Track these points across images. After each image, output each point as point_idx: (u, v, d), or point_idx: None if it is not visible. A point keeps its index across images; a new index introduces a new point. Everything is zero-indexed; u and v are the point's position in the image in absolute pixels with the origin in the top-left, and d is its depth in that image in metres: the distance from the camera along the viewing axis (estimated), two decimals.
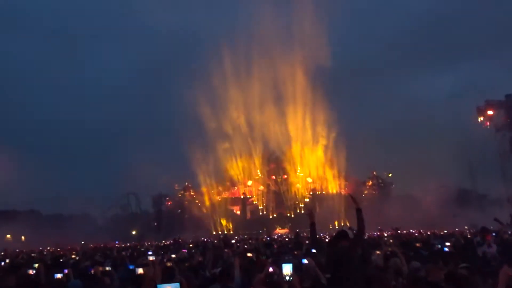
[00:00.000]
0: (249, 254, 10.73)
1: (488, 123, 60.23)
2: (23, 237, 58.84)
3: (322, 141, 70.25)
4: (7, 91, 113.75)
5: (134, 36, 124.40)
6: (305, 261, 7.18)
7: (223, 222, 67.23)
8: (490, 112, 59.45)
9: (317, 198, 67.30)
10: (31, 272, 8.15)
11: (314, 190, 68.01)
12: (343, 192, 67.60)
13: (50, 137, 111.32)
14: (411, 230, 30.44)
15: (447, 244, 11.68)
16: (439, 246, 12.06)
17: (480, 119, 61.57)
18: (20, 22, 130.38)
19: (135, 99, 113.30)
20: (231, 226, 66.50)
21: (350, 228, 15.21)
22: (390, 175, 67.82)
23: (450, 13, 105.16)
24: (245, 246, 17.73)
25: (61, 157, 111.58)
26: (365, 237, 12.27)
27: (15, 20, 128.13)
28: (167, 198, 71.36)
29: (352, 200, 6.91)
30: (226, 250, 13.31)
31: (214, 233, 61.98)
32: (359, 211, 6.42)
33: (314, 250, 9.00)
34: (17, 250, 25.74)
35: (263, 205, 67.68)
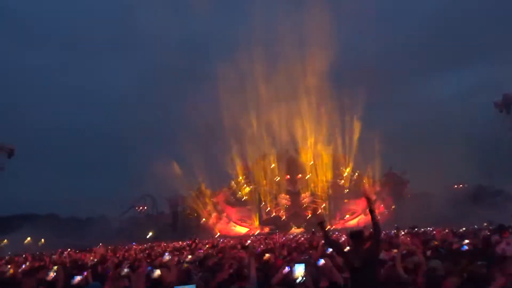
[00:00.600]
0: (266, 255, 10.74)
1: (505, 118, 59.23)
2: (42, 240, 59.91)
3: (337, 140, 70.04)
4: (23, 99, 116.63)
5: (144, 42, 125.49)
6: (321, 261, 7.16)
7: (239, 223, 67.50)
8: (506, 108, 58.40)
9: (333, 197, 67.09)
10: (51, 275, 8.28)
11: (330, 187, 67.71)
12: (357, 190, 67.27)
13: (68, 143, 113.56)
14: (428, 228, 30.05)
15: (466, 241, 11.52)
16: (458, 245, 11.87)
17: (498, 113, 60.57)
18: (32, 31, 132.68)
19: (151, 104, 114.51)
20: (246, 227, 66.70)
21: (365, 226, 15.10)
22: (405, 171, 66.98)
23: (466, 12, 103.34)
24: (261, 246, 17.75)
25: (78, 162, 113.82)
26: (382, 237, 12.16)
27: (19, 30, 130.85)
28: (183, 199, 71.73)
29: (366, 201, 6.84)
30: (242, 250, 13.34)
31: (230, 233, 62.22)
32: (372, 212, 6.34)
33: (330, 250, 8.96)
34: (37, 253, 26.19)
35: (278, 205, 67.63)
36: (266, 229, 62.63)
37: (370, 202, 6.60)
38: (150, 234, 68.95)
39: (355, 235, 6.09)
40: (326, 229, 6.66)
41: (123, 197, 79.91)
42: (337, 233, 29.20)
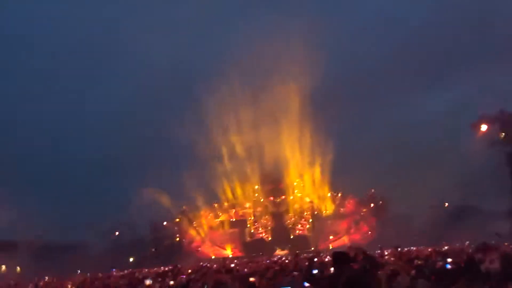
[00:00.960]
0: (251, 279, 10.58)
1: (482, 137, 60.84)
2: (18, 268, 57.80)
3: (319, 161, 70.48)
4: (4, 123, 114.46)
5: (128, 65, 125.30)
6: (306, 284, 7.10)
7: (223, 246, 66.63)
8: (484, 127, 60.09)
9: (316, 218, 67.09)
10: None
11: (313, 210, 67.76)
12: (341, 211, 67.54)
13: (47, 169, 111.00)
14: (411, 248, 30.20)
15: (449, 260, 11.59)
16: (441, 263, 11.94)
17: (477, 133, 62.27)
18: (8, 58, 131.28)
19: (132, 128, 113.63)
20: (230, 250, 65.82)
21: (350, 247, 15.09)
22: (387, 190, 67.68)
23: (443, 36, 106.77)
24: (245, 269, 17.47)
25: (57, 188, 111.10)
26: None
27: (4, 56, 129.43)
28: (165, 224, 70.55)
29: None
30: (226, 274, 13.10)
31: (213, 257, 61.26)
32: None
33: (315, 271, 8.89)
34: (13, 283, 25.18)
35: (261, 227, 67.17)
36: (250, 252, 61.96)
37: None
38: (131, 260, 67.38)
39: (338, 257, 5.98)
40: (312, 265, 6.58)
41: (103, 223, 78.11)
42: (321, 254, 29.05)
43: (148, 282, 11.12)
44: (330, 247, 57.07)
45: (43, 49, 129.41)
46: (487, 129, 60.25)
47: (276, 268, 16.23)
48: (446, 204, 63.38)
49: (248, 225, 67.94)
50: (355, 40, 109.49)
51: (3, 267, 57.41)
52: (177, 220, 68.17)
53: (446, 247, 24.80)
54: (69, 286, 17.28)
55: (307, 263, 13.40)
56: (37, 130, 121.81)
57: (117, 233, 78.20)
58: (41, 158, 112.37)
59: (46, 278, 28.70)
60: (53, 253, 61.57)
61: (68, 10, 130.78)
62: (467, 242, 29.22)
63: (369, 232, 63.08)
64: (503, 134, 57.90)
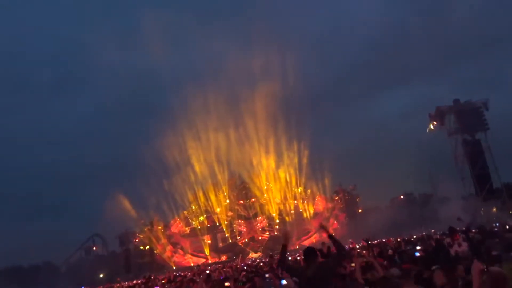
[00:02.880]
0: (226, 284, 10.50)
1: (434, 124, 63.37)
2: None
3: (287, 162, 71.10)
4: None
5: (96, 78, 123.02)
6: (284, 281, 7.13)
7: (196, 253, 65.90)
8: (440, 118, 62.58)
9: (286, 218, 67.52)
10: None
11: (283, 211, 68.14)
12: (311, 210, 68.32)
13: (8, 186, 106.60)
14: (381, 239, 30.95)
15: (418, 248, 11.95)
16: (411, 252, 12.29)
17: (433, 124, 64.64)
18: None
19: (98, 141, 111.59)
20: (203, 256, 65.19)
21: (323, 243, 15.23)
22: (354, 186, 69.13)
23: (402, 39, 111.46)
24: (221, 277, 17.32)
25: (19, 205, 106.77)
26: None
27: None
28: (135, 235, 68.95)
29: (323, 229, 7.22)
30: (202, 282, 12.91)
31: (187, 265, 60.47)
32: (331, 236, 6.60)
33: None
34: None
35: (234, 231, 66.87)
36: (224, 257, 61.55)
37: (326, 230, 6.89)
38: (101, 276, 65.40)
39: (307, 252, 6.21)
40: (285, 252, 6.68)
41: (70, 239, 75.70)
42: (297, 255, 29.26)
43: None
44: (297, 246, 57.72)
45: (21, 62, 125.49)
46: (443, 121, 62.70)
47: (250, 270, 16.23)
48: (411, 194, 65.46)
49: (220, 231, 67.50)
50: (320, 47, 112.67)
51: None
52: (147, 230, 66.73)
53: (414, 236, 25.55)
54: None
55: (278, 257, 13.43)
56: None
57: (86, 249, 75.94)
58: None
59: None
60: (17, 277, 58.91)
61: (37, 27, 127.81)
62: (433, 229, 30.26)
63: (339, 228, 64.19)
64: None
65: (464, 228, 12.45)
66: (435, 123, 63.79)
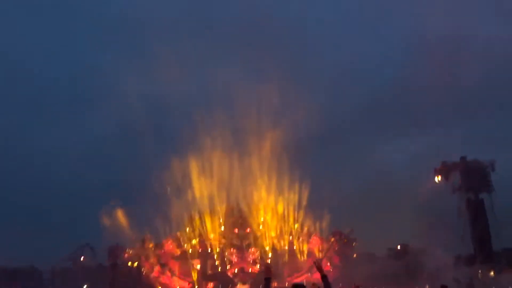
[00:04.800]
0: None
1: (443, 184, 62.83)
2: None
3: (287, 198, 70.78)
4: None
5: (106, 100, 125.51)
6: None
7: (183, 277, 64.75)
8: (445, 174, 62.25)
9: (279, 254, 66.46)
10: None
11: (277, 246, 67.19)
12: (306, 248, 67.29)
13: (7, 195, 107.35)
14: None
15: None
16: None
17: (438, 179, 64.15)
18: None
19: (101, 159, 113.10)
20: (190, 282, 63.99)
21: (314, 284, 14.91)
22: (352, 230, 68.20)
23: (412, 85, 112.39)
24: None
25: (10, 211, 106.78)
26: None
27: None
28: (125, 250, 67.99)
29: (317, 268, 7.09)
30: None
31: None
32: (324, 277, 6.50)
33: None
34: None
35: (225, 260, 65.77)
36: (211, 285, 60.31)
37: (321, 270, 6.80)
38: (85, 287, 64.24)
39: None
40: (269, 286, 6.56)
41: (59, 246, 74.90)
42: None
43: None
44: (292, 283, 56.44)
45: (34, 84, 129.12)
46: (448, 176, 62.34)
47: None
48: (408, 245, 64.30)
49: (211, 257, 66.48)
50: (330, 88, 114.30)
51: None
52: (137, 247, 65.88)
53: None
54: None
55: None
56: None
57: (73, 258, 74.90)
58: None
59: None
60: (1, 278, 58.00)
61: (54, 50, 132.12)
62: (427, 286, 29.51)
63: (331, 271, 62.92)
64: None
65: None
66: (439, 177, 63.40)
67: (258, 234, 67.62)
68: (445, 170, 65.26)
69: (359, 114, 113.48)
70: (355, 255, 67.92)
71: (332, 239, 67.92)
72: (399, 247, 69.88)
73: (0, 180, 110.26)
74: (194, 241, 67.94)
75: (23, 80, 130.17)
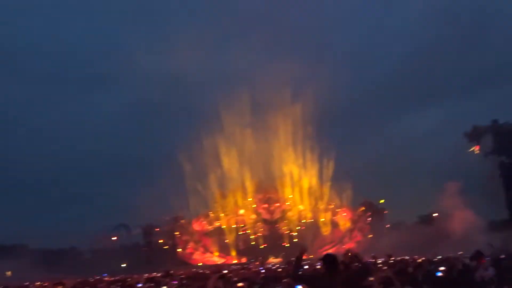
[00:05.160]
0: (239, 284, 10.54)
1: (476, 148, 61.18)
2: (8, 272, 57.08)
3: (315, 170, 70.83)
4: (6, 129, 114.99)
5: (128, 78, 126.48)
6: (299, 287, 7.08)
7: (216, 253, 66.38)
8: (477, 137, 60.55)
9: (310, 226, 67.00)
10: None
11: (307, 218, 67.70)
12: (335, 219, 67.52)
13: (42, 174, 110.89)
14: (405, 257, 30.13)
15: (441, 269, 11.59)
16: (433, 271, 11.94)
17: (473, 146, 62.55)
18: (16, 65, 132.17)
19: (132, 136, 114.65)
20: (223, 257, 65.53)
21: (348, 250, 14.96)
22: (382, 201, 67.76)
23: (437, 56, 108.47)
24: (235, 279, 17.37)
25: (52, 192, 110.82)
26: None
27: (11, 63, 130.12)
28: (158, 229, 70.12)
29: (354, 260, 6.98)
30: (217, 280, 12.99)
31: (206, 263, 60.89)
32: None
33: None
34: (2, 287, 24.90)
35: (255, 235, 66.93)
36: (244, 259, 61.62)
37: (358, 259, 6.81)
38: (123, 265, 66.78)
39: (328, 259, 5.97)
40: (299, 263, 6.52)
41: (97, 227, 77.81)
42: (318, 264, 28.90)
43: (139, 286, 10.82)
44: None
45: (56, 57, 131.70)
46: (479, 140, 60.57)
47: (267, 274, 16.18)
48: (435, 214, 63.44)
49: (242, 232, 67.77)
50: (352, 60, 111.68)
51: None
52: (171, 225, 67.74)
53: (439, 257, 24.74)
54: None
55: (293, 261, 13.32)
56: (37, 137, 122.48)
57: (110, 237, 77.71)
58: (36, 165, 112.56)
59: (38, 282, 28.40)
60: (45, 258, 60.95)
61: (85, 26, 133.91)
62: (460, 252, 29.19)
63: (363, 241, 63.11)
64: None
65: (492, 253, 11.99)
66: (477, 147, 61.87)
67: (287, 208, 68.23)
68: (476, 134, 63.51)
69: (383, 84, 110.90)
70: (386, 225, 67.74)
71: (361, 210, 67.85)
72: (432, 214, 69.16)
73: (34, 162, 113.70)
74: (225, 218, 69.28)
75: (42, 54, 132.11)
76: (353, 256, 7.78)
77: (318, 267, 16.92)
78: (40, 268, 51.01)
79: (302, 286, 6.90)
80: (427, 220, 66.65)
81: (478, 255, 11.40)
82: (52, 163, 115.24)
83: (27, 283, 27.53)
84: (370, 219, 66.47)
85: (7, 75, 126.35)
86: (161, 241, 70.15)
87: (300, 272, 6.53)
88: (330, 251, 61.32)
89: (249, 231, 67.42)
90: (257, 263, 43.52)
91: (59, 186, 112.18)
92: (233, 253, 65.83)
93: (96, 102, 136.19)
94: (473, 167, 59.20)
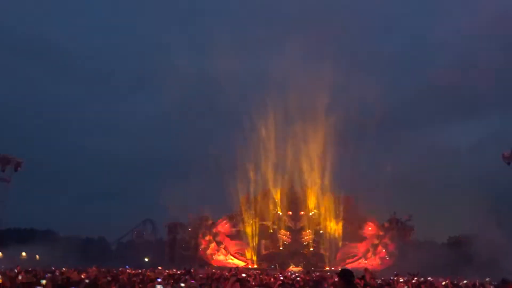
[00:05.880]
0: None
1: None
2: (37, 256, 59.29)
3: (343, 182, 69.91)
4: (49, 125, 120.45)
5: (168, 78, 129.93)
6: None
7: (237, 256, 66.53)
8: None
9: (334, 238, 66.01)
10: None
11: (332, 230, 66.72)
12: (361, 233, 66.29)
13: (78, 167, 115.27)
14: (428, 278, 29.30)
15: None
16: None
17: (506, 165, 59.93)
18: (64, 64, 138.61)
19: (165, 136, 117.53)
20: (244, 260, 65.58)
21: (366, 269, 14.74)
22: (410, 216, 65.71)
23: (478, 64, 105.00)
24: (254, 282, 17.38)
25: (85, 185, 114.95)
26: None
27: (61, 63, 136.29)
28: (183, 227, 71.01)
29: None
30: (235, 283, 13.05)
31: (227, 266, 61.10)
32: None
33: None
34: (30, 269, 25.88)
35: (278, 241, 66.62)
36: (264, 265, 61.45)
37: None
38: (146, 260, 68.05)
39: (345, 274, 5.89)
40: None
41: (125, 221, 79.88)
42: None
43: (159, 286, 10.91)
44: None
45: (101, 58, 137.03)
46: None
47: (285, 282, 16.12)
48: (471, 236, 61.08)
49: (265, 238, 67.63)
50: (392, 67, 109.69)
51: (23, 253, 59.01)
52: (195, 224, 68.41)
53: (464, 281, 23.92)
54: (83, 277, 17.67)
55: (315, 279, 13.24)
56: (79, 132, 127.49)
57: (136, 232, 79.37)
58: (72, 156, 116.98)
59: (64, 269, 29.34)
60: (73, 246, 62.94)
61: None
62: (488, 278, 28.08)
63: (387, 258, 61.61)
64: None
65: None
66: (508, 164, 59.20)
67: (312, 217, 67.56)
68: None
69: (420, 95, 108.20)
70: (412, 243, 65.82)
71: (388, 225, 66.18)
72: (461, 235, 66.69)
73: (76, 155, 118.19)
74: (249, 222, 69.32)
75: (89, 55, 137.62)
76: (369, 276, 7.64)
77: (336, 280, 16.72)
78: (67, 255, 52.74)
79: None
80: (457, 241, 64.45)
81: (504, 283, 10.96)
82: (90, 158, 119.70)
83: (53, 268, 28.50)
84: (396, 236, 64.71)
85: (61, 75, 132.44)
86: (185, 239, 70.96)
87: None
88: (352, 265, 60.30)
89: (272, 237, 67.21)
90: (277, 270, 43.30)
91: (94, 179, 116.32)
92: (254, 258, 65.76)
93: (138, 102, 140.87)
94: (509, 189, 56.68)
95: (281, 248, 65.84)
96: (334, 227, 66.88)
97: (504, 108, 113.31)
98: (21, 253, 58.58)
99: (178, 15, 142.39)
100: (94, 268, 23.32)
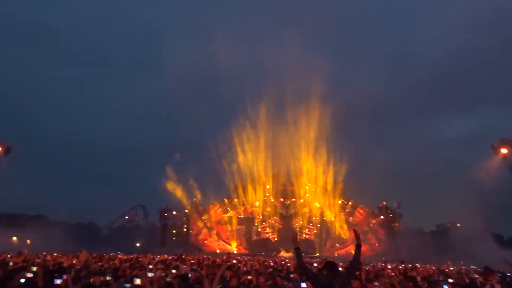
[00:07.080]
0: (249, 277, 10.69)
1: (502, 160, 59.29)
2: (28, 241, 59.15)
3: (333, 168, 70.35)
4: (43, 110, 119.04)
5: (166, 64, 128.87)
6: (303, 284, 7.21)
7: (229, 241, 67.03)
8: (504, 150, 58.48)
9: (324, 224, 66.74)
10: (29, 275, 8.18)
11: (322, 216, 67.40)
12: (350, 220, 67.01)
13: (70, 151, 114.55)
14: (416, 264, 29.88)
15: (450, 280, 11.50)
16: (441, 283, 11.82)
17: (495, 157, 60.63)
18: (64, 48, 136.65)
19: (158, 121, 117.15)
20: (235, 246, 66.11)
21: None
22: (399, 204, 66.59)
23: (471, 60, 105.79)
24: (245, 269, 17.59)
25: (76, 169, 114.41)
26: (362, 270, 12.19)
27: (63, 47, 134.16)
28: (174, 213, 71.24)
29: (354, 235, 6.81)
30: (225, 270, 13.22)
31: (218, 251, 61.66)
32: (358, 246, 6.44)
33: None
34: (19, 252, 25.88)
35: (269, 227, 67.21)
36: (255, 251, 62.07)
37: (357, 237, 6.59)
38: (138, 245, 68.23)
39: (329, 265, 5.98)
40: (300, 255, 6.57)
41: (116, 206, 79.82)
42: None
43: (150, 274, 10.87)
44: (335, 255, 56.87)
45: (95, 49, 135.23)
46: (507, 153, 58.47)
47: (276, 267, 16.35)
48: (458, 224, 62.21)
49: (256, 224, 68.20)
50: (388, 61, 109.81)
51: (15, 238, 58.86)
52: (187, 211, 68.68)
53: (451, 268, 24.44)
54: (74, 262, 17.74)
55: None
56: (71, 116, 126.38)
57: (128, 217, 79.38)
58: (60, 138, 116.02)
59: (55, 253, 29.39)
60: (64, 230, 62.78)
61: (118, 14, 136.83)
62: (474, 266, 28.74)
63: (376, 244, 62.53)
64: None
65: (502, 270, 11.78)
66: (496, 156, 59.98)
67: (303, 204, 68.15)
68: (503, 146, 61.54)
69: (415, 88, 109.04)
70: (401, 230, 66.86)
71: (378, 213, 67.11)
72: (448, 224, 67.82)
73: (68, 139, 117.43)
74: (240, 208, 69.76)
75: (89, 39, 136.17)
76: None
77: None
78: (58, 240, 52.71)
79: (306, 283, 7.03)
80: (444, 229, 65.56)
81: (487, 271, 11.28)
82: (82, 142, 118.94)
83: (44, 253, 28.54)
84: (385, 223, 65.67)
85: (59, 58, 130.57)
86: (177, 224, 71.27)
87: (303, 266, 6.59)
88: (342, 251, 61.21)
89: (263, 223, 67.78)
90: (268, 256, 43.80)
91: (86, 162, 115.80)
92: (245, 244, 66.34)
93: (133, 88, 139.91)
94: (497, 181, 57.55)
95: (271, 235, 66.46)
96: (325, 214, 67.60)
97: (496, 102, 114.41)
98: (12, 238, 58.39)
99: (177, 3, 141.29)
100: (84, 252, 23.36)
